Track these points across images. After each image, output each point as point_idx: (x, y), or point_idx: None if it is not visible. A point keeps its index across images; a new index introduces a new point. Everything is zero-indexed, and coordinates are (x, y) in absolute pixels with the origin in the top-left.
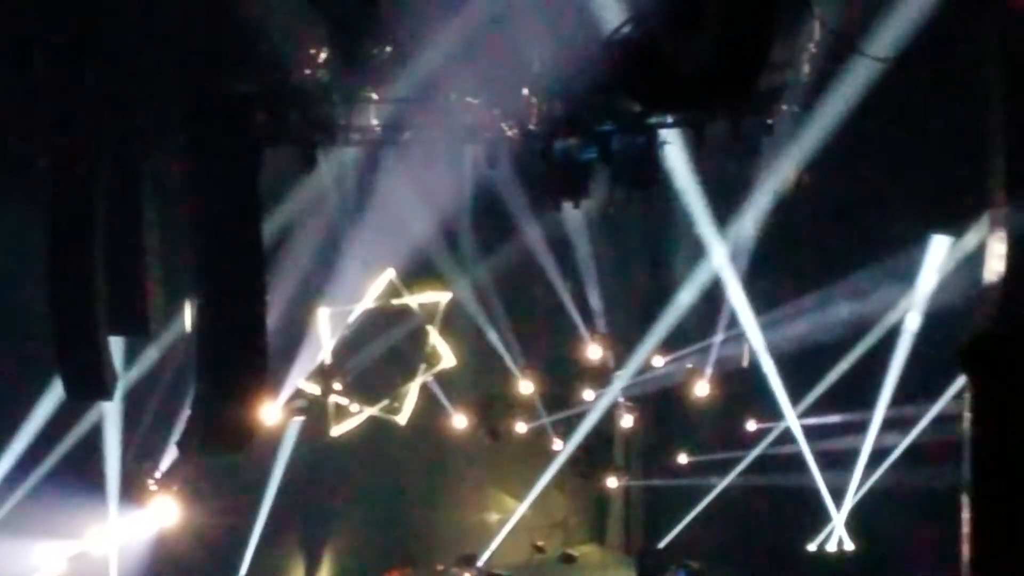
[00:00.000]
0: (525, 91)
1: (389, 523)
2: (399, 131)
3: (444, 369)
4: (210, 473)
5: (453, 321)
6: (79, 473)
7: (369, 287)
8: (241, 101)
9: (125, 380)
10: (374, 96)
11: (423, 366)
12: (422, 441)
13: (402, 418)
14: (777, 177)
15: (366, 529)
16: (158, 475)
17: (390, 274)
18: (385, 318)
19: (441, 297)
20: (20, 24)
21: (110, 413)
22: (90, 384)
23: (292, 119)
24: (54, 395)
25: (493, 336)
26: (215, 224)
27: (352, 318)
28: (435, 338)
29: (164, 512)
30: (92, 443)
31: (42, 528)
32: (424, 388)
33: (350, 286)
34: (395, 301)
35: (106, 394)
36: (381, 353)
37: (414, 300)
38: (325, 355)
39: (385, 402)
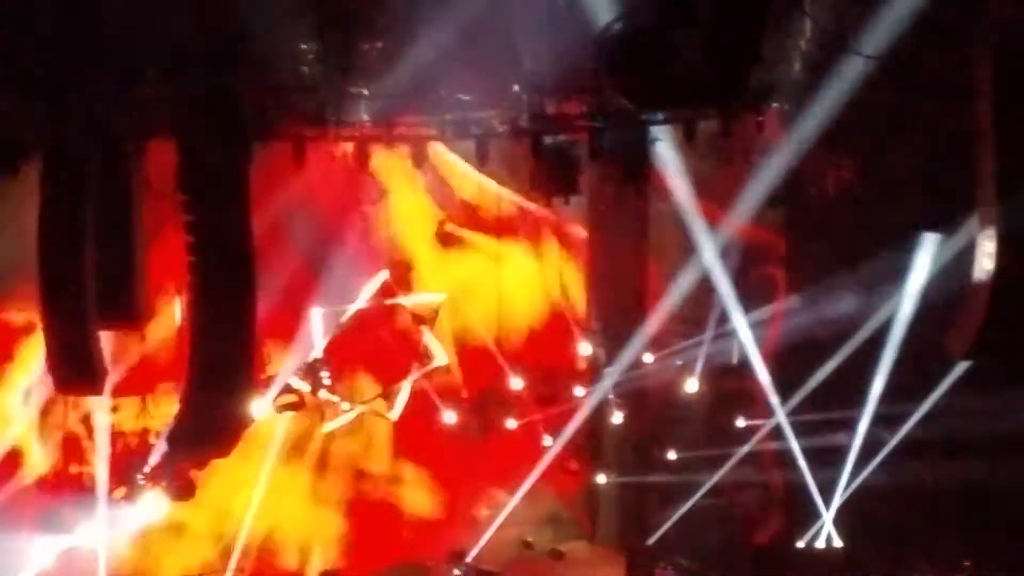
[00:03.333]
0: (516, 87)
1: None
2: (390, 127)
3: (436, 367)
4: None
5: (444, 317)
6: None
7: (362, 287)
8: (230, 96)
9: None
10: (365, 92)
11: (416, 364)
12: (411, 436)
13: (393, 414)
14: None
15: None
16: (147, 470)
17: (384, 275)
18: (378, 316)
19: (435, 298)
20: (12, 18)
21: (100, 408)
22: (80, 377)
23: (283, 114)
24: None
25: (484, 333)
26: (205, 219)
27: (345, 318)
28: (428, 337)
29: (153, 507)
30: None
31: (32, 524)
32: (415, 384)
33: (343, 285)
34: (388, 301)
35: (96, 388)
36: (373, 351)
37: (408, 300)
38: (316, 353)
39: (376, 399)
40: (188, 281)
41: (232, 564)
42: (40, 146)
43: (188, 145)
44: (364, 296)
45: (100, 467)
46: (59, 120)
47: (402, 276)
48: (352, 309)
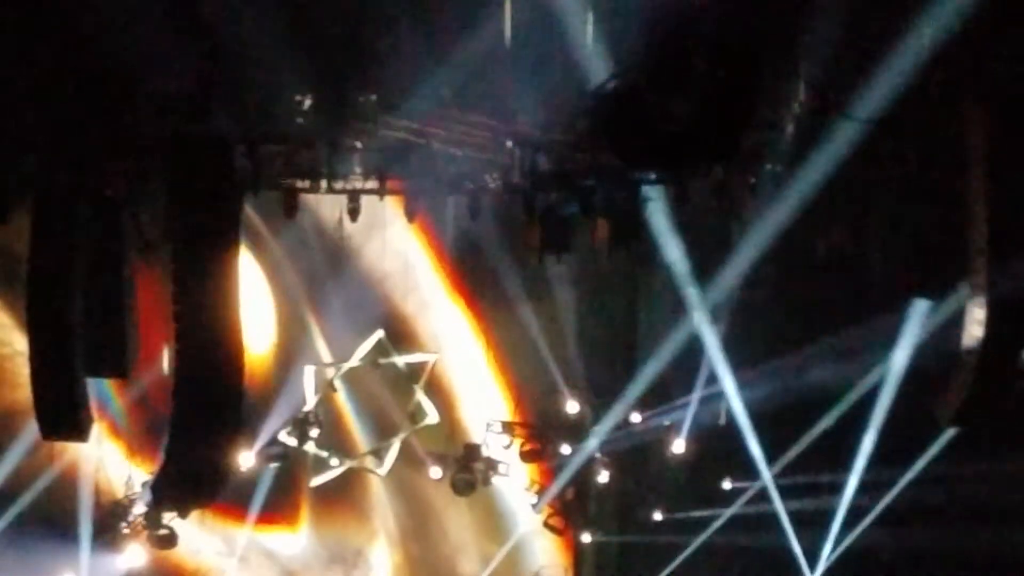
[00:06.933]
0: (509, 143)
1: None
2: (382, 180)
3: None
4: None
5: (431, 374)
6: (52, 516)
7: (356, 346)
8: (222, 144)
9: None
10: (358, 144)
11: (406, 422)
12: (403, 489)
13: (383, 470)
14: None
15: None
16: (131, 518)
17: (379, 334)
18: (371, 374)
19: (429, 357)
20: (3, 68)
21: (84, 455)
22: (66, 424)
23: (275, 165)
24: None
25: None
26: (196, 268)
27: (338, 376)
28: (420, 396)
29: (136, 555)
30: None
31: (13, 573)
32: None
33: (337, 343)
34: (383, 360)
35: (81, 435)
36: (364, 409)
37: (402, 360)
38: (307, 408)
39: (366, 455)
40: (175, 330)
41: None
42: (30, 195)
43: (178, 194)
44: (358, 354)
45: (84, 514)
46: (49, 170)
47: (396, 331)
48: (345, 367)
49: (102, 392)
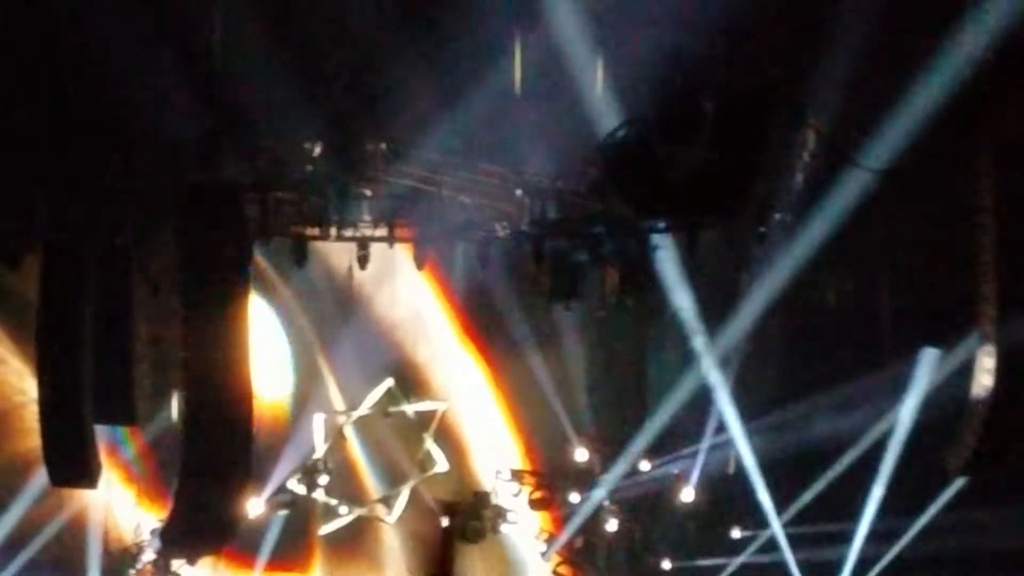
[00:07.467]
0: (518, 191)
1: None
2: (391, 228)
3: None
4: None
5: (441, 422)
6: (61, 563)
7: (367, 394)
8: (232, 191)
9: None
10: (367, 192)
11: (416, 470)
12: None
13: (392, 518)
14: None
15: None
16: (140, 565)
17: (389, 383)
18: (380, 422)
19: (439, 406)
20: (14, 115)
21: (93, 502)
22: (75, 471)
23: (285, 212)
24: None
25: (480, 437)
26: (204, 315)
27: (347, 424)
28: (430, 444)
29: None
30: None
31: None
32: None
33: (347, 391)
34: (392, 408)
35: (90, 482)
36: (374, 456)
37: (411, 408)
38: (316, 456)
39: (375, 503)
40: (184, 377)
41: None
42: (40, 240)
43: (188, 240)
44: (367, 403)
45: (93, 561)
46: (59, 216)
47: (407, 379)
48: (355, 415)
49: (116, 436)
